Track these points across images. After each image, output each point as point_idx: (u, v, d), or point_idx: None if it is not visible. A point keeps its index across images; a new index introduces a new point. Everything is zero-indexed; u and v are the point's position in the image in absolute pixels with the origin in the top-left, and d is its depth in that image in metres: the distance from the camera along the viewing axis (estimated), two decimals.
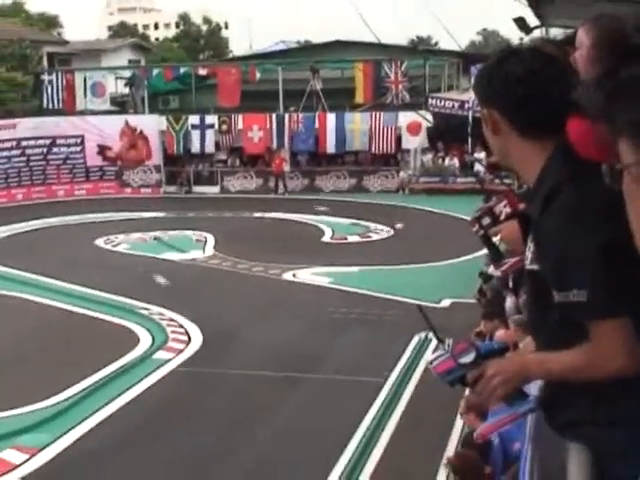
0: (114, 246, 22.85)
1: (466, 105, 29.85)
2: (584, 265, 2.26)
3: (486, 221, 3.54)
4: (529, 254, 2.48)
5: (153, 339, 14.30)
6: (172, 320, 15.34)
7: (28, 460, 9.79)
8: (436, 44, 69.50)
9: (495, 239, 3.55)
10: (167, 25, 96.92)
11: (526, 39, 21.23)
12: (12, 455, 9.93)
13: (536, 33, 20.58)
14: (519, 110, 2.46)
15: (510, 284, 10.39)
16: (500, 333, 9.19)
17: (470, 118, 29.64)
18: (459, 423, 10.09)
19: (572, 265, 2.28)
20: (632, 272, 2.10)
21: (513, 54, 2.49)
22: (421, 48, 48.08)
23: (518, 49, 2.58)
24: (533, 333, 2.69)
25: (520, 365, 2.55)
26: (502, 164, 2.64)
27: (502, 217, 3.53)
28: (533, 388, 2.75)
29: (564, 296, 2.30)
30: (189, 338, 14.35)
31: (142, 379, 12.33)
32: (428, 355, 12.53)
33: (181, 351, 13.69)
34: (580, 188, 2.30)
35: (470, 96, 28.24)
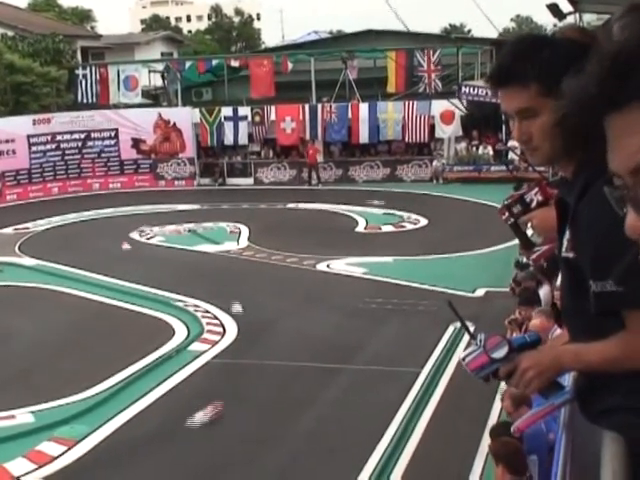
0: (149, 239, 22.99)
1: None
2: (622, 254, 2.23)
3: (517, 209, 3.50)
4: (565, 241, 2.44)
5: (188, 331, 14.38)
6: (207, 312, 15.42)
7: (66, 452, 9.90)
8: (469, 32, 69.10)
9: (527, 227, 3.51)
10: (199, 17, 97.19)
11: (560, 25, 21.08)
12: (50, 447, 10.04)
13: (570, 19, 20.40)
14: None
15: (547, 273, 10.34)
16: (536, 322, 9.14)
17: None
18: (495, 412, 10.06)
19: (610, 254, 2.23)
20: None
21: (555, 40, 2.45)
22: (454, 36, 47.80)
23: (555, 36, 2.53)
24: (567, 322, 2.64)
25: (554, 357, 2.52)
26: (553, 157, 2.52)
27: (533, 205, 3.48)
28: (567, 378, 2.72)
29: (601, 286, 2.25)
30: (224, 330, 14.41)
31: (178, 371, 12.41)
32: (462, 346, 12.50)
33: (216, 343, 13.75)
34: None
35: None
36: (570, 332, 2.60)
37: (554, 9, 18.43)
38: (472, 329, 2.82)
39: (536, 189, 3.53)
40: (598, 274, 2.26)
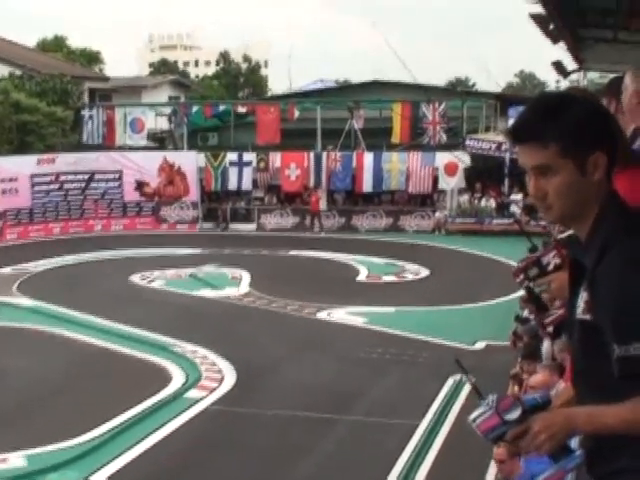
0: (149, 282, 22.93)
1: (503, 146, 29.78)
2: None
3: (533, 272, 3.46)
4: (581, 304, 2.43)
5: (186, 377, 14.25)
6: (205, 358, 15.30)
7: None
8: (473, 85, 69.68)
9: (537, 289, 3.47)
10: (207, 63, 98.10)
11: (563, 83, 21.19)
12: None
13: (574, 76, 20.52)
14: (617, 148, 2.44)
15: (550, 329, 10.29)
16: (537, 377, 9.06)
17: (507, 160, 29.59)
18: (494, 466, 9.92)
19: (632, 317, 2.23)
20: None
21: (577, 101, 2.47)
22: (459, 89, 48.21)
23: (578, 94, 2.62)
24: (579, 383, 2.63)
25: (566, 419, 2.47)
26: (566, 217, 2.51)
27: (550, 268, 3.45)
28: (573, 440, 2.69)
29: (624, 350, 2.24)
30: (222, 377, 14.29)
31: (174, 418, 12.25)
32: (462, 398, 12.41)
33: (214, 390, 13.61)
34: (637, 238, 2.27)
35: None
36: (580, 393, 2.58)
37: (558, 67, 18.51)
38: (466, 378, 2.78)
39: (554, 252, 3.51)
40: (622, 338, 2.25)
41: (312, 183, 32.71)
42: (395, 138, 33.97)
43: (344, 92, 40.69)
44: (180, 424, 12.06)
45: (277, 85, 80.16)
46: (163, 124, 38.80)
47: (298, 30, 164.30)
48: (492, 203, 31.43)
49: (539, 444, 2.45)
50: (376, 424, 12.04)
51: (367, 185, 32.48)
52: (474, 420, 2.57)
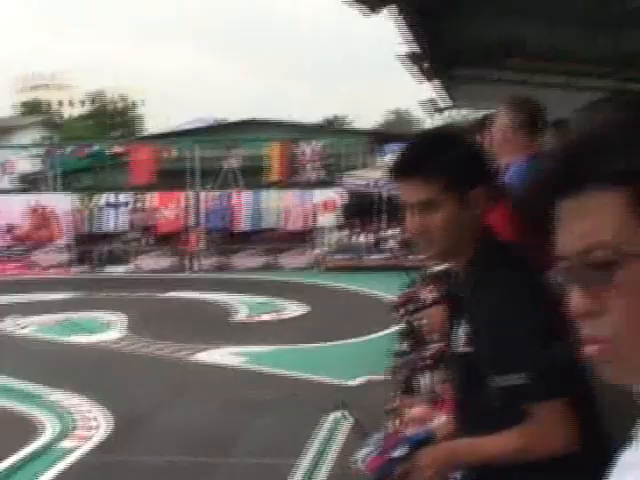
0: (19, 329, 22.19)
1: (378, 183, 30.26)
2: (523, 347, 2.31)
3: (411, 307, 3.58)
4: (460, 337, 2.52)
5: (59, 427, 13.74)
6: (79, 406, 14.82)
7: None
8: (346, 123, 70.86)
9: (415, 323, 3.54)
10: (81, 102, 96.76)
11: (436, 119, 21.82)
12: None
13: (446, 113, 21.11)
14: (492, 184, 2.60)
15: (428, 362, 10.38)
16: (416, 410, 9.04)
17: (382, 196, 30.08)
18: None
19: (510, 348, 2.30)
20: (567, 352, 2.13)
21: (455, 137, 2.63)
22: (335, 127, 49.01)
23: (453, 132, 2.85)
24: (459, 415, 2.71)
25: (449, 452, 2.55)
26: (448, 251, 2.58)
27: (427, 302, 3.56)
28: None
29: (504, 380, 2.32)
30: (97, 425, 13.84)
31: (46, 470, 11.75)
32: (342, 435, 12.36)
33: (88, 438, 13.16)
34: (511, 271, 2.38)
35: (382, 174, 28.68)
36: (461, 425, 2.67)
37: (429, 105, 18.97)
38: (352, 419, 2.76)
39: (430, 286, 3.63)
40: (501, 368, 2.35)
41: (189, 223, 32.51)
42: (273, 176, 34.14)
43: (221, 131, 40.67)
44: (53, 476, 11.59)
45: (153, 124, 79.65)
46: (35, 166, 37.90)
47: (175, 69, 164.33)
48: (369, 239, 31.85)
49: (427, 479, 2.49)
50: (256, 465, 11.86)
51: (244, 223, 32.48)
52: (361, 460, 2.60)
